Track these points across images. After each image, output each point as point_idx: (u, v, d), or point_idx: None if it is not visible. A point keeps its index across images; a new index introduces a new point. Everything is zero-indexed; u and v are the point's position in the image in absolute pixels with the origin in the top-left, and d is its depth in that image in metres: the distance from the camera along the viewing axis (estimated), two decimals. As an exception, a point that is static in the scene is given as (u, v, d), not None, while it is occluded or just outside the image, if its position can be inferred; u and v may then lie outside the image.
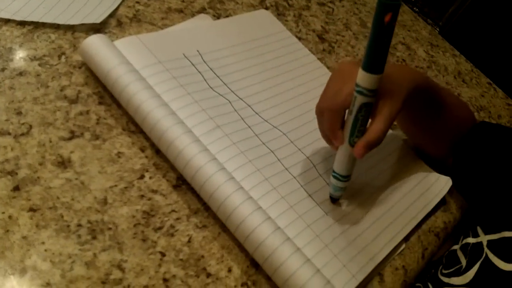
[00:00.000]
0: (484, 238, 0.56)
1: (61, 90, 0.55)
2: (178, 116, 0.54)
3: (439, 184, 0.66)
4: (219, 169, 0.51)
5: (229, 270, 0.50)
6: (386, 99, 0.50)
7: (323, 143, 0.57)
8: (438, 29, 1.76)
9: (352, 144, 0.51)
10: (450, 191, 0.65)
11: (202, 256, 0.49)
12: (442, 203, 0.66)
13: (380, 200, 0.60)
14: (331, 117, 0.51)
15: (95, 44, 0.56)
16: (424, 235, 0.62)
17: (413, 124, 0.65)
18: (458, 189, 0.68)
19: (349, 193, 0.58)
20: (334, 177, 0.55)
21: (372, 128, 0.50)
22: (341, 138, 0.51)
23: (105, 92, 0.57)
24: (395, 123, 0.68)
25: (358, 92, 0.48)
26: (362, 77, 0.47)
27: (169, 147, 0.51)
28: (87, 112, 0.55)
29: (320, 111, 0.53)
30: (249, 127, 0.59)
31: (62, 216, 0.47)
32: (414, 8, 1.91)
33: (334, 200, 0.57)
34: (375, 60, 0.46)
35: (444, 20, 1.78)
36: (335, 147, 0.54)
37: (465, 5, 1.65)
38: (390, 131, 0.70)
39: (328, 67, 0.74)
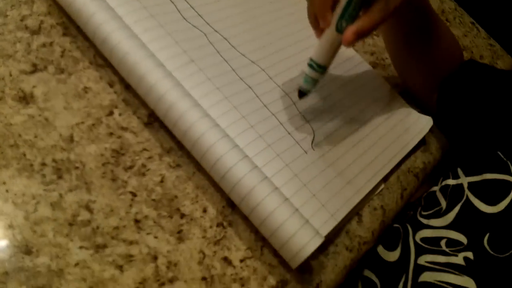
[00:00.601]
0: (464, 180, 0.55)
1: (22, 20, 0.51)
2: (149, 48, 0.50)
3: (419, 124, 0.64)
4: (193, 105, 0.48)
5: (204, 211, 0.48)
6: None
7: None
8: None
9: (339, 29, 0.48)
10: (430, 131, 0.64)
11: (176, 196, 0.47)
12: (422, 143, 0.64)
13: (359, 139, 0.58)
14: None
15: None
16: (403, 175, 0.61)
17: (403, 45, 0.63)
18: (441, 127, 0.66)
19: (327, 131, 0.56)
20: (310, 65, 0.51)
21: (366, 16, 0.47)
22: (329, 19, 0.48)
23: (70, 23, 0.53)
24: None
25: None
26: None
27: (139, 81, 0.48)
28: (51, 44, 0.51)
29: None
30: (226, 61, 0.56)
31: (25, 155, 0.44)
32: None
33: (301, 94, 0.54)
34: None
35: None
36: (319, 32, 0.51)
37: None
38: (371, 69, 0.67)
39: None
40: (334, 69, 0.63)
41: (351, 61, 0.67)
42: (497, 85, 0.60)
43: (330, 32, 0.49)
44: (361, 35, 0.47)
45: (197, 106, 0.48)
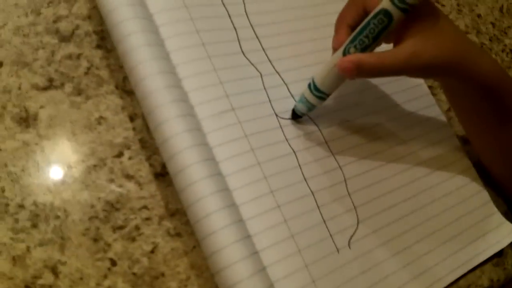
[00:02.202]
0: None
1: (55, 22, 0.45)
2: (181, 88, 0.42)
3: (501, 231, 0.52)
4: (212, 174, 0.40)
5: (191, 299, 0.40)
6: (414, 38, 0.40)
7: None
8: None
9: (345, 54, 0.41)
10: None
11: (162, 274, 0.40)
12: (497, 254, 0.52)
13: (415, 240, 0.47)
14: (347, 5, 0.43)
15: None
16: (459, 295, 0.49)
17: (476, 125, 0.51)
18: None
19: (376, 224, 0.46)
20: (308, 84, 0.44)
21: (377, 53, 0.40)
22: (341, 36, 0.42)
23: (109, 34, 0.45)
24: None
25: None
26: None
27: (157, 128, 0.41)
28: (78, 56, 0.44)
29: None
30: (276, 114, 0.46)
31: (3, 190, 0.38)
32: None
33: (295, 116, 0.46)
34: None
35: None
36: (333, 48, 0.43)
37: None
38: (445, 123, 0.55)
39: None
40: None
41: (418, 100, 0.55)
42: None
43: (337, 54, 0.41)
44: (360, 70, 0.39)
45: (216, 175, 0.40)
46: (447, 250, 0.48)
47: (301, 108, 0.46)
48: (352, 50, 0.41)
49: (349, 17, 0.42)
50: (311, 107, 0.45)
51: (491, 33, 0.64)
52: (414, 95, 0.55)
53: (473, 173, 0.53)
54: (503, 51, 0.64)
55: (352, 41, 0.41)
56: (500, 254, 0.52)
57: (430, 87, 0.56)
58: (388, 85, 0.53)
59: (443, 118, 0.55)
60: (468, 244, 0.50)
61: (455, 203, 0.51)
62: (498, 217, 0.53)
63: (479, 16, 0.64)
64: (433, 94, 0.56)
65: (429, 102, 0.55)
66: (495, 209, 0.53)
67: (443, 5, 0.63)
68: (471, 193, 0.52)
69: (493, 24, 0.65)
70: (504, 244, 0.51)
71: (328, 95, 0.44)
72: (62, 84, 0.43)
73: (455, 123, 0.56)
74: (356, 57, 0.40)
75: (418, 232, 0.48)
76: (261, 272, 0.38)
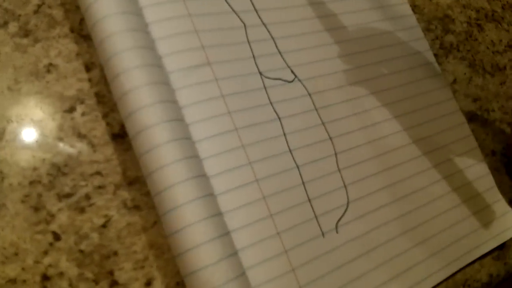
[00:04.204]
0: None
1: None
2: (149, 32, 0.35)
3: (506, 220, 0.46)
4: (181, 136, 0.33)
5: (148, 283, 0.34)
6: None
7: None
8: None
9: None
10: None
11: (115, 253, 0.34)
12: (499, 246, 0.46)
13: (416, 223, 0.42)
14: None
15: None
16: (455, 288, 0.44)
17: None
18: None
19: (368, 206, 0.40)
20: None
21: None
22: None
23: (66, -34, 0.38)
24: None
25: None
26: None
27: (115, 77, 0.34)
28: (28, -10, 0.37)
29: None
30: (260, 73, 0.40)
31: None
32: None
33: None
34: None
35: None
36: None
37: None
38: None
39: (414, 6, 0.51)
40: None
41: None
42: None
43: None
44: None
45: (185, 139, 0.33)
46: (450, 235, 0.43)
47: None
48: None
49: None
50: None
51: (504, 0, 0.58)
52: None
53: (478, 155, 0.47)
54: (516, 20, 0.57)
55: None
56: (501, 247, 0.47)
57: (435, 55, 0.50)
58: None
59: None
60: (468, 234, 0.44)
61: (457, 186, 0.45)
62: (503, 205, 0.47)
63: (492, -20, 0.58)
64: (439, 63, 0.50)
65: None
66: (500, 195, 0.47)
67: (453, -34, 0.56)
68: (475, 177, 0.46)
69: (506, -9, 0.58)
70: (508, 236, 0.46)
71: None
72: (6, 23, 0.36)
73: (460, 96, 0.50)
74: None
75: (414, 217, 0.42)
76: (232, 256, 0.32)
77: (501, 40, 0.55)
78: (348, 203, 0.39)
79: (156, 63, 0.34)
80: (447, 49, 0.51)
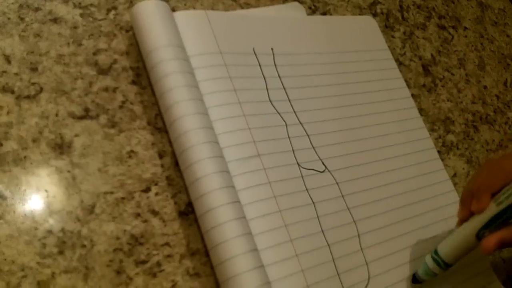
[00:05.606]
0: None
1: (94, 54, 0.46)
2: (213, 129, 0.43)
3: None
4: (237, 217, 0.41)
5: None
6: None
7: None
8: None
9: (479, 237, 0.42)
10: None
11: (180, 313, 0.40)
12: None
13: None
14: (491, 174, 0.44)
15: (148, 10, 0.45)
16: None
17: None
18: None
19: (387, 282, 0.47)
20: (434, 260, 0.45)
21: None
22: (484, 204, 0.42)
23: (144, 70, 0.47)
24: None
25: None
26: None
27: (187, 168, 0.42)
28: (114, 89, 0.45)
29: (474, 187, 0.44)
30: (298, 164, 0.48)
31: (33, 215, 0.39)
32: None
33: (415, 280, 0.48)
34: None
35: None
36: (464, 212, 0.44)
37: None
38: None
39: (420, 109, 0.60)
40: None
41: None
42: None
43: (467, 236, 0.43)
44: (504, 245, 0.41)
45: (242, 218, 0.41)
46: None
47: (425, 277, 0.47)
48: (486, 233, 0.42)
49: (495, 186, 0.42)
50: (433, 275, 0.46)
51: (495, 104, 0.67)
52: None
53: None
54: (506, 123, 0.67)
55: (485, 227, 0.42)
56: None
57: (438, 151, 0.59)
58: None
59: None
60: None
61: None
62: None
63: (485, 87, 0.68)
64: (441, 159, 0.58)
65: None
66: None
67: (452, 74, 0.66)
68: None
69: (497, 97, 0.68)
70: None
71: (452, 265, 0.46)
72: (97, 115, 0.44)
73: (460, 189, 0.58)
74: (496, 237, 0.41)
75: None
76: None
77: (493, 140, 0.64)
78: (369, 278, 0.46)
79: (220, 155, 0.42)
80: (448, 147, 0.60)
